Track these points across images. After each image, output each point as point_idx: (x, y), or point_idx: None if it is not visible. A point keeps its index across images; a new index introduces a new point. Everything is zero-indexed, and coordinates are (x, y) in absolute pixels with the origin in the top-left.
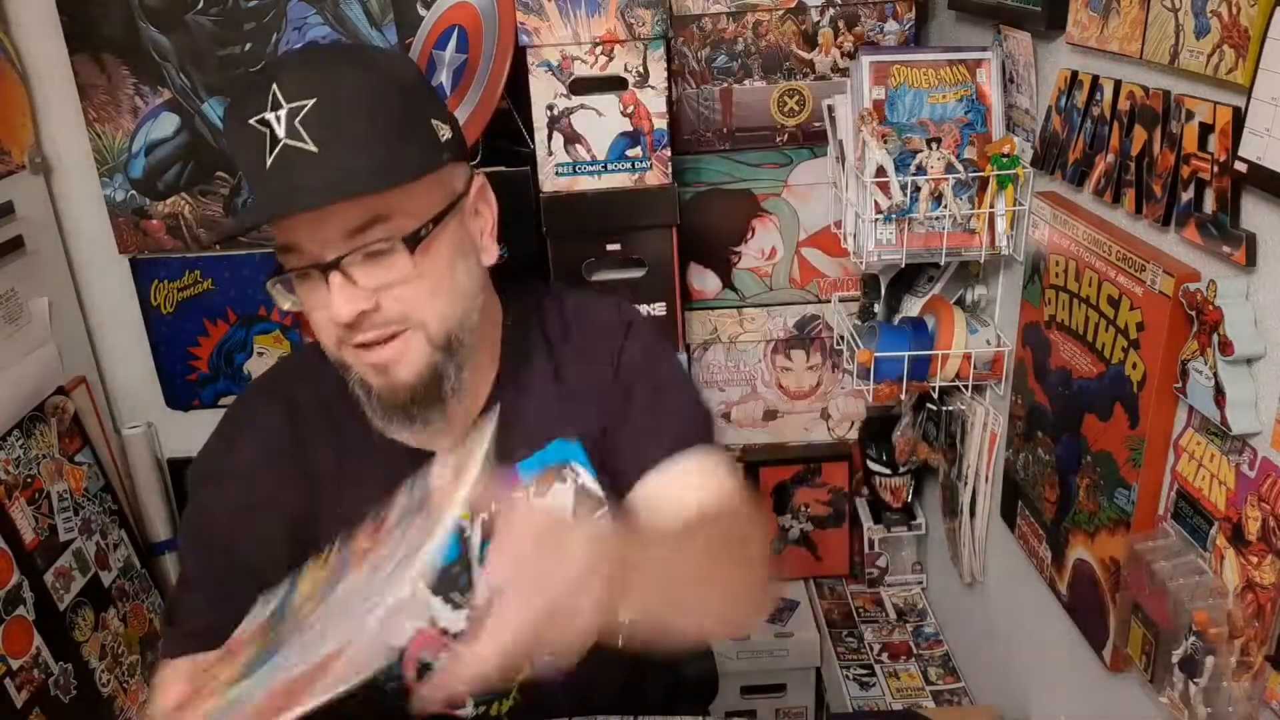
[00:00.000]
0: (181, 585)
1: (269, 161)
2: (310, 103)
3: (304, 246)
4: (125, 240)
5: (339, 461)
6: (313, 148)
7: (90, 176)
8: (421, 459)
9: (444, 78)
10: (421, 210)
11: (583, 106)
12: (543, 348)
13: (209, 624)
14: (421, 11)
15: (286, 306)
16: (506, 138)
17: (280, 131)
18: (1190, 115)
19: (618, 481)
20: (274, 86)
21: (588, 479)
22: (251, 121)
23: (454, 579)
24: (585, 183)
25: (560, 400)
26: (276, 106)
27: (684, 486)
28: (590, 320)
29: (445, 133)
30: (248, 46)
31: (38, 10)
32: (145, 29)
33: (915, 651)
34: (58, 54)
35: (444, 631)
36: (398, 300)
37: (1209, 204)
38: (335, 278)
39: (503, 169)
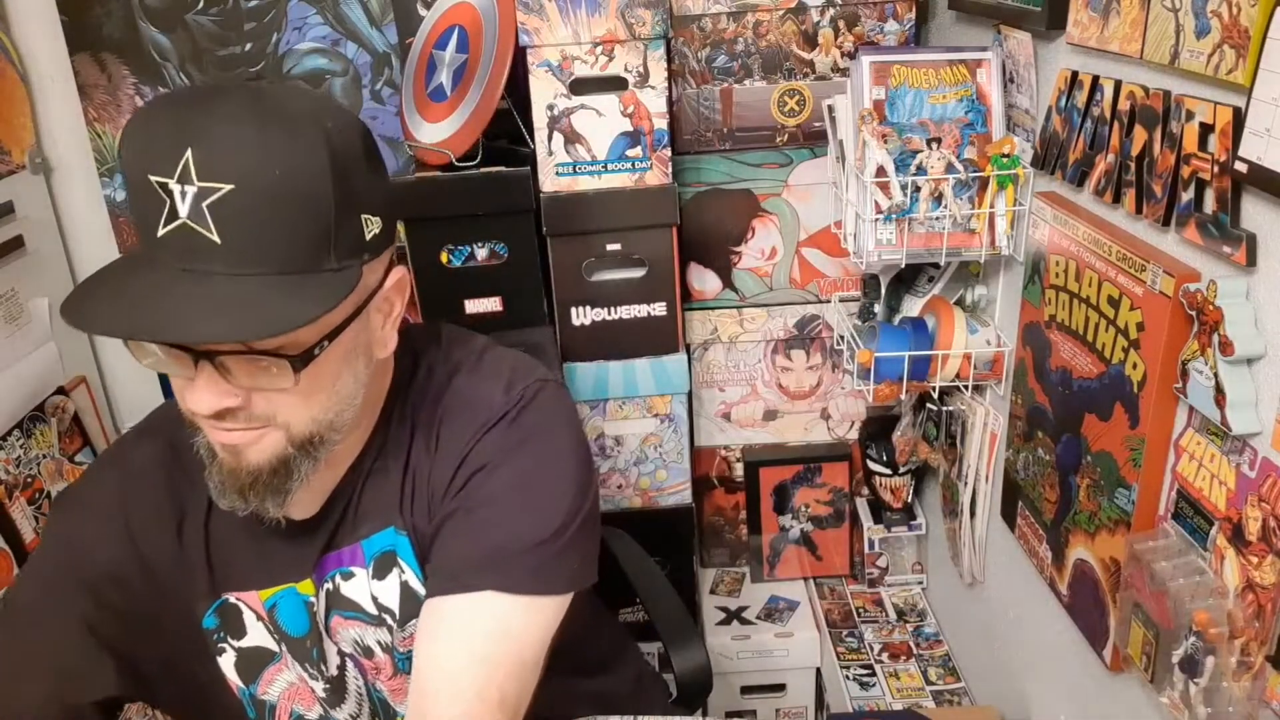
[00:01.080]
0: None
1: (160, 232)
2: (225, 189)
3: None
4: (125, 240)
5: (207, 520)
6: (215, 238)
7: (90, 176)
8: (281, 527)
9: (444, 78)
10: (321, 325)
11: (583, 106)
12: (408, 427)
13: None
14: (421, 11)
15: (146, 363)
16: (506, 138)
17: (182, 210)
18: (1190, 115)
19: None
20: (189, 154)
21: (411, 576)
22: (153, 179)
23: (308, 650)
24: (585, 183)
25: (403, 487)
26: (186, 179)
27: (453, 640)
28: (459, 406)
29: (374, 227)
30: (248, 46)
31: (38, 10)
32: (145, 29)
33: (915, 651)
34: (58, 54)
35: (312, 690)
36: (268, 402)
37: (1209, 204)
38: (205, 368)
39: (503, 169)
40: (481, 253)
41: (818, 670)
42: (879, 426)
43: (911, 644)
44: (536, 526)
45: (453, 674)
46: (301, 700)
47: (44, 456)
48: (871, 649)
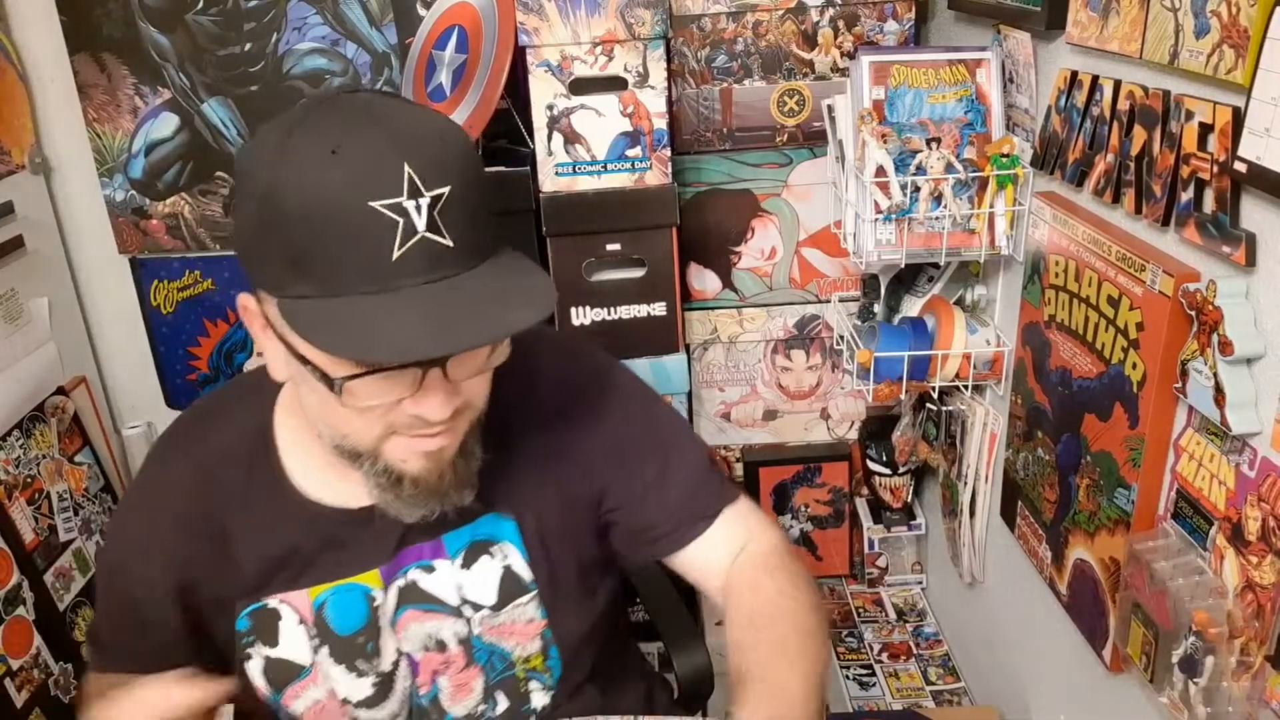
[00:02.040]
0: (100, 621)
1: (395, 254)
2: (446, 191)
3: None
4: (125, 240)
5: (247, 518)
6: (449, 242)
7: (90, 176)
8: (348, 517)
9: (444, 78)
10: None
11: (583, 106)
12: (492, 414)
13: (130, 650)
14: (421, 11)
15: (357, 404)
16: (506, 138)
17: (420, 223)
18: (1190, 115)
19: (645, 549)
20: (406, 168)
21: (516, 560)
22: (378, 205)
23: (359, 647)
24: (585, 183)
25: (505, 474)
26: (416, 193)
27: (730, 553)
28: (556, 387)
29: None
30: (248, 46)
31: (38, 10)
32: (145, 29)
33: (915, 651)
34: (58, 54)
35: (344, 701)
36: (470, 390)
37: (1209, 204)
38: (435, 376)
39: (503, 169)
40: None
41: None
42: (879, 426)
43: (911, 644)
44: (700, 445)
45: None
46: (328, 717)
47: (43, 456)
48: (871, 649)
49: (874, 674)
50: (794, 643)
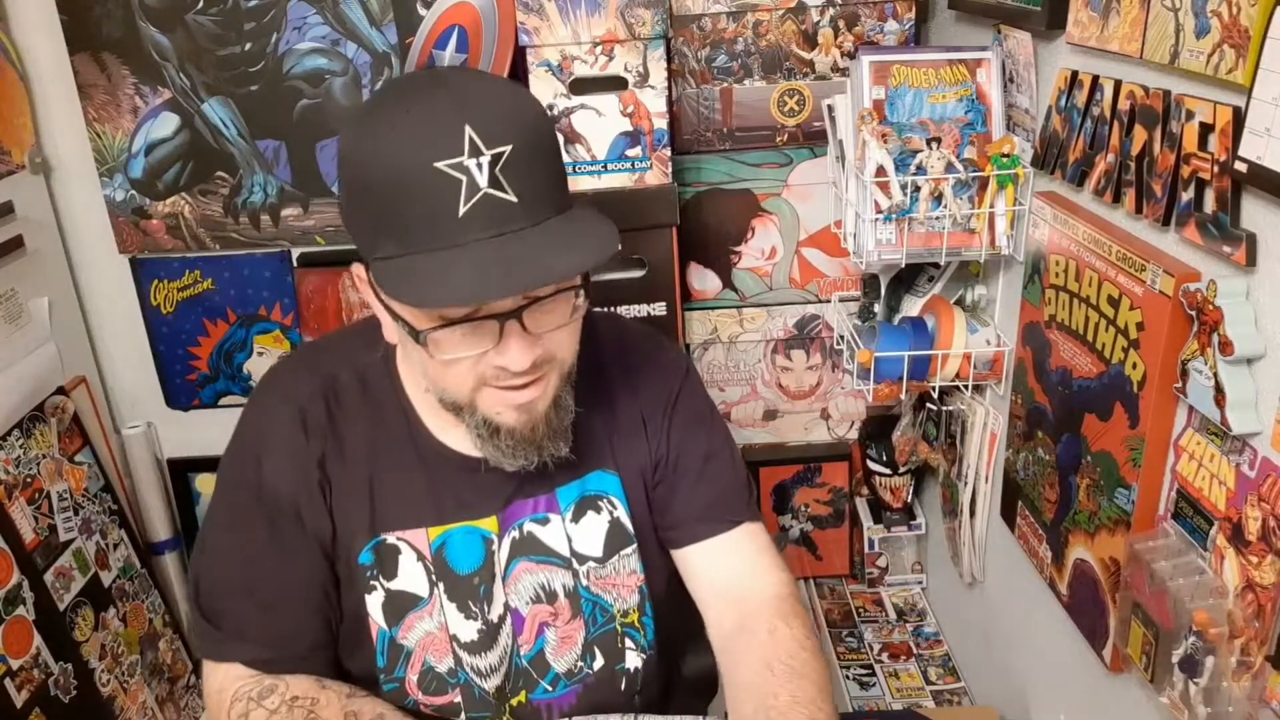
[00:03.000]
0: (218, 580)
1: (462, 210)
2: (508, 150)
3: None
4: (125, 240)
5: (374, 455)
6: (513, 198)
7: (90, 176)
8: (465, 462)
9: None
10: None
11: (583, 106)
12: (595, 376)
13: (264, 630)
14: (421, 11)
15: (444, 356)
16: None
17: (481, 180)
18: (1190, 115)
19: (659, 532)
20: (468, 129)
21: (622, 514)
22: (441, 165)
23: (474, 588)
24: (585, 183)
25: (607, 432)
26: (476, 152)
27: (731, 568)
28: (648, 359)
29: None
30: (247, 46)
31: (38, 10)
32: (145, 29)
33: (915, 651)
34: (58, 54)
35: (453, 638)
36: (554, 343)
37: (1209, 204)
38: (514, 328)
39: None
40: None
41: None
42: (879, 426)
43: (911, 644)
44: (740, 466)
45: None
46: (435, 651)
47: (43, 456)
48: (871, 649)
49: (874, 674)
50: (815, 700)
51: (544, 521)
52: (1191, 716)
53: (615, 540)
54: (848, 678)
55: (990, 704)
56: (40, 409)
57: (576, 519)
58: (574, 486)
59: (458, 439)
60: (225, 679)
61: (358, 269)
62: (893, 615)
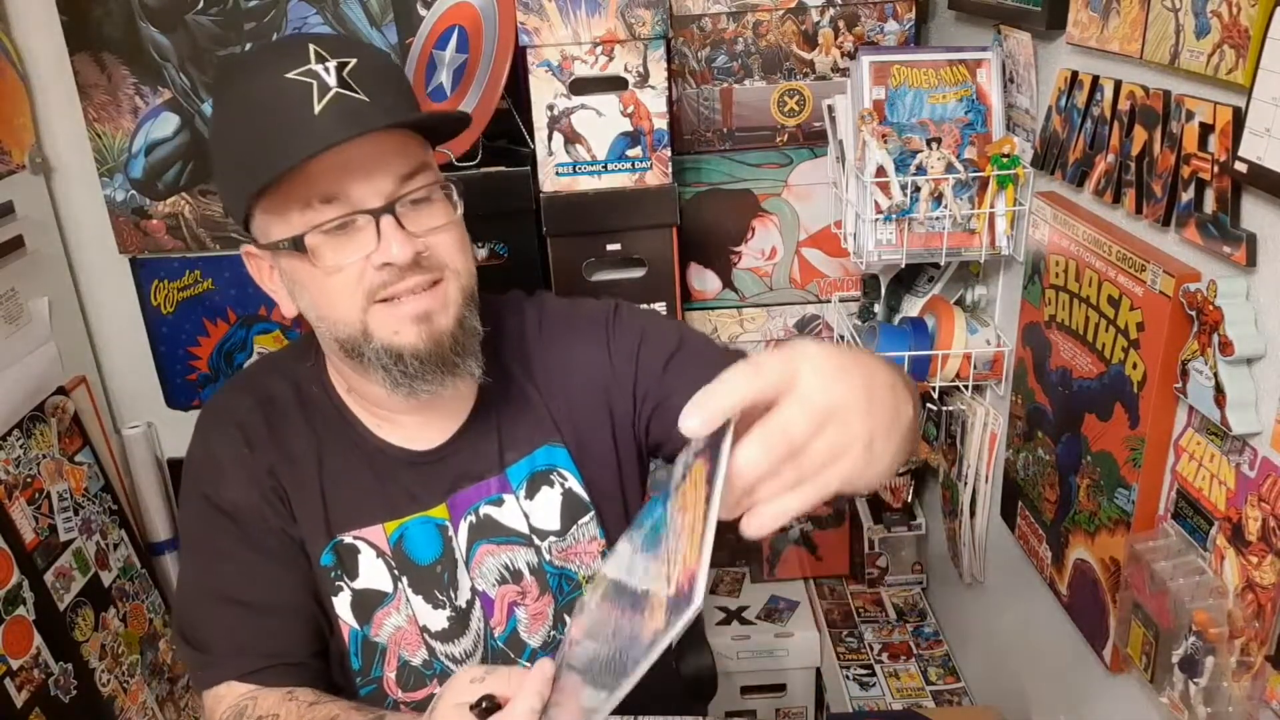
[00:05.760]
0: (200, 600)
1: (318, 108)
2: (354, 60)
3: (351, 194)
4: (125, 240)
5: (320, 459)
6: (364, 97)
7: (90, 176)
8: (406, 455)
9: (444, 78)
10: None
11: (583, 106)
12: (519, 354)
13: (252, 638)
14: (421, 11)
15: (327, 264)
16: (507, 138)
17: (330, 81)
18: (1190, 115)
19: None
20: (311, 47)
21: (575, 483)
22: (293, 75)
23: (437, 577)
24: (585, 183)
25: (544, 405)
26: (323, 60)
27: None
28: (568, 321)
29: None
30: (247, 46)
31: (38, 10)
32: (145, 29)
33: (915, 651)
34: (58, 54)
35: (424, 629)
36: (440, 246)
37: (1209, 204)
38: (388, 222)
39: (503, 169)
40: (482, 253)
41: (818, 670)
42: None
43: (911, 644)
44: (713, 341)
45: None
46: (408, 645)
47: (44, 456)
48: (871, 649)
49: (874, 674)
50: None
51: (499, 503)
52: (1191, 717)
53: (571, 511)
54: (848, 678)
55: (990, 704)
56: (40, 409)
57: (530, 495)
58: (523, 464)
59: (396, 433)
60: (214, 704)
61: (246, 249)
62: (893, 615)
